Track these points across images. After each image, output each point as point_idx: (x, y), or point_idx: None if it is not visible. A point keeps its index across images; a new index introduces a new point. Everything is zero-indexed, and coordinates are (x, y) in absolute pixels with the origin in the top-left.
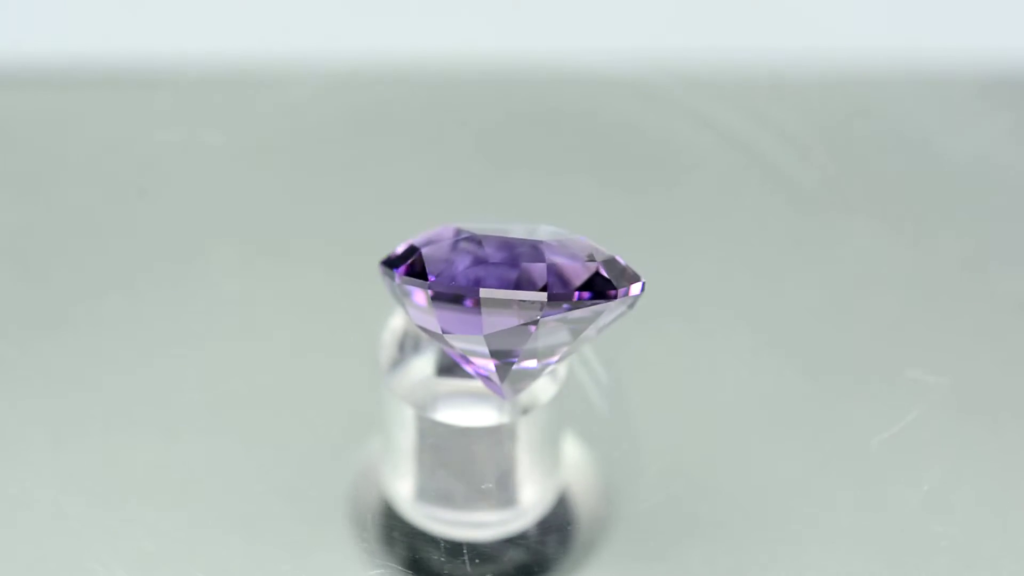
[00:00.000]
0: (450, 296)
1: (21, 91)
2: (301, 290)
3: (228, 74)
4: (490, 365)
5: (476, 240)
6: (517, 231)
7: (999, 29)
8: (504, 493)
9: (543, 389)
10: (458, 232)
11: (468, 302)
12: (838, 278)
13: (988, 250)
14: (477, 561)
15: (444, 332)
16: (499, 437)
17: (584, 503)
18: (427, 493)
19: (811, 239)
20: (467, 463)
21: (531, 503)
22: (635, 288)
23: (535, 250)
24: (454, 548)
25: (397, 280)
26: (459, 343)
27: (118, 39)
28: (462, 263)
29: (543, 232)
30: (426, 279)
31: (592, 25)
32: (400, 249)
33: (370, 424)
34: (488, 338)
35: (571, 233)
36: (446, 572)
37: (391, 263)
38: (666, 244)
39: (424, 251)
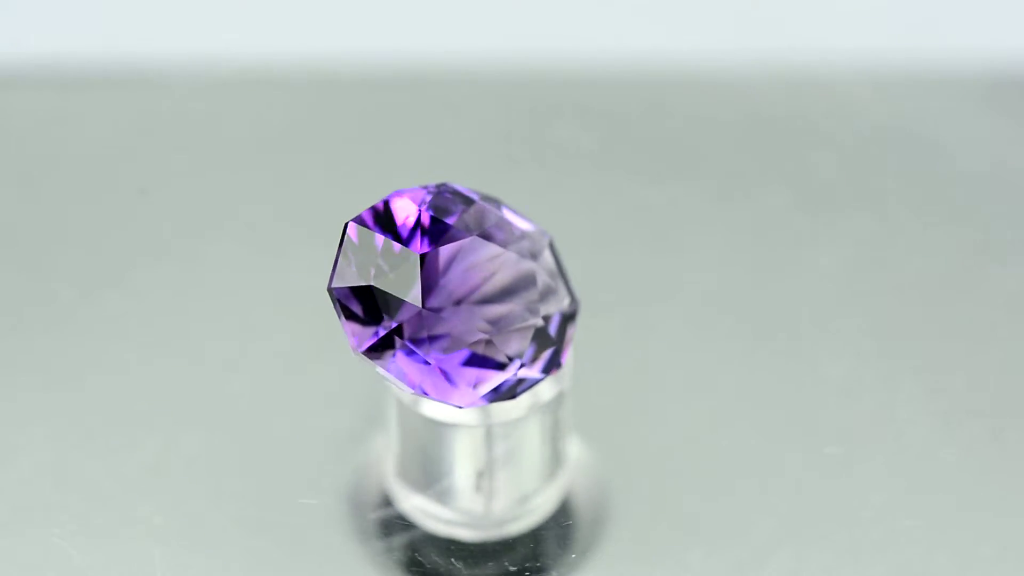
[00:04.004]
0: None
1: (21, 91)
2: (301, 289)
3: (227, 74)
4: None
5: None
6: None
7: (1003, 29)
8: (505, 493)
9: (545, 388)
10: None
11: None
12: (839, 279)
13: (990, 251)
14: (477, 560)
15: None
16: (501, 437)
17: (584, 503)
18: (427, 492)
19: (813, 239)
20: (468, 462)
21: (533, 503)
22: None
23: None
24: (454, 547)
25: None
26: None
27: (118, 39)
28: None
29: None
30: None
31: (591, 24)
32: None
33: (370, 424)
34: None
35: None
36: (446, 571)
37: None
38: (666, 244)
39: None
